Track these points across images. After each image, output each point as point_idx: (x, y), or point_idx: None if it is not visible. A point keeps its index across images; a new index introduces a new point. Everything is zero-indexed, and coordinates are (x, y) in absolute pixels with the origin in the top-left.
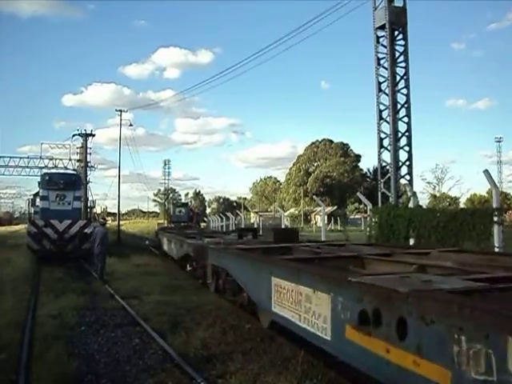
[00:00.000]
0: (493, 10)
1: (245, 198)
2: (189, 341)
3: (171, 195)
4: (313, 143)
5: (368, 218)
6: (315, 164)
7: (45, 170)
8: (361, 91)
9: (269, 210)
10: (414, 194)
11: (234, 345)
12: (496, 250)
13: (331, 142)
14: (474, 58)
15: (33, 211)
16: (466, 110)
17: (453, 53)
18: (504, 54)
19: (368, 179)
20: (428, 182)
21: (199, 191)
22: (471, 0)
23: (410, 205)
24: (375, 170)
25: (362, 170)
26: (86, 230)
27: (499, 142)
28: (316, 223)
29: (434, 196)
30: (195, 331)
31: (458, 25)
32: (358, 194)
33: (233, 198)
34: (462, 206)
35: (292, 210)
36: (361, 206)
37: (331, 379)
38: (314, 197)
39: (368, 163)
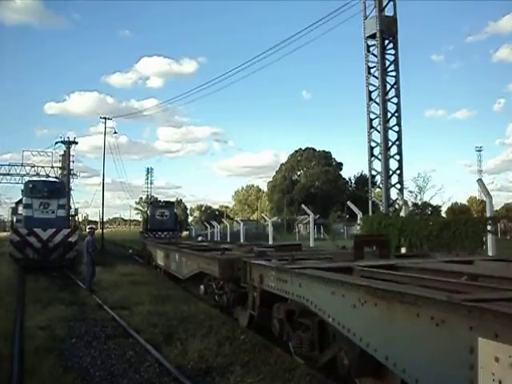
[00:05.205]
0: (470, 23)
1: (227, 207)
2: (185, 353)
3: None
4: (296, 151)
5: (358, 227)
6: (298, 173)
7: (27, 178)
8: (341, 101)
9: (251, 218)
10: (406, 202)
11: (232, 356)
12: None
13: (314, 150)
14: (452, 69)
15: (15, 219)
16: (446, 120)
17: (432, 64)
18: (481, 66)
19: (350, 188)
20: (410, 191)
21: (181, 199)
22: (449, 13)
23: (402, 214)
24: (357, 179)
25: (343, 178)
26: (70, 239)
27: (479, 151)
28: (299, 232)
29: (416, 205)
30: (190, 343)
31: (437, 37)
32: (349, 202)
33: (215, 207)
34: (443, 214)
35: (275, 219)
36: (343, 215)
37: None
38: (303, 205)
39: (349, 172)
